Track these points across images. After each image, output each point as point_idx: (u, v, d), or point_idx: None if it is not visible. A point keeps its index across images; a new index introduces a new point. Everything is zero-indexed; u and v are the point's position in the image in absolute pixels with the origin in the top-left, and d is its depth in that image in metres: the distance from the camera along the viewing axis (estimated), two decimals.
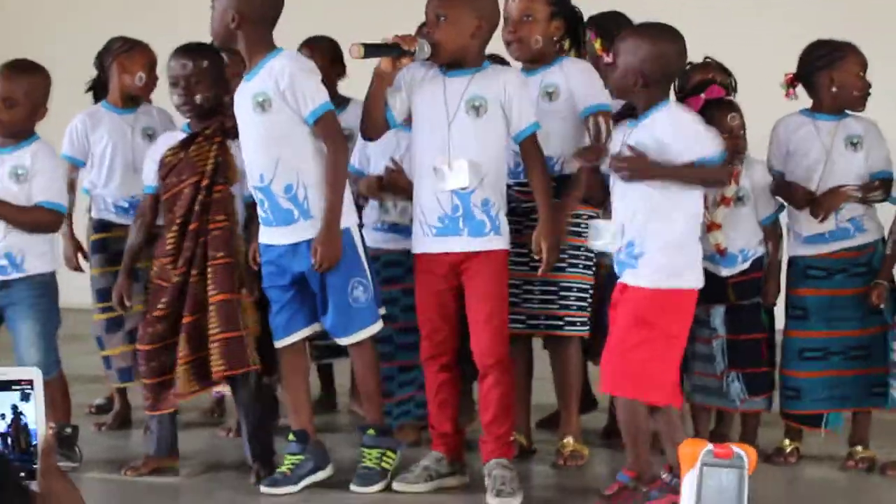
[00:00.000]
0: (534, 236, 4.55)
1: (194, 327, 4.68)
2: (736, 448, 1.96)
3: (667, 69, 4.45)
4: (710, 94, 5.00)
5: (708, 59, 5.40)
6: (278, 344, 4.76)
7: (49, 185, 4.94)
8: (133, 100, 5.64)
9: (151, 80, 5.64)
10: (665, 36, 4.45)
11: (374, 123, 4.65)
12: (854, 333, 5.04)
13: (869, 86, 5.04)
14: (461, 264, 4.56)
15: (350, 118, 5.18)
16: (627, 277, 4.40)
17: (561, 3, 5.03)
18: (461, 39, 4.53)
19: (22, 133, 4.96)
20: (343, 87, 5.75)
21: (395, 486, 4.59)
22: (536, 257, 4.56)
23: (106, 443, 5.44)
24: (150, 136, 5.52)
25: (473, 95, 4.55)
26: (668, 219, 4.39)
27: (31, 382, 2.26)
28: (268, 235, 4.70)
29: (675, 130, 4.38)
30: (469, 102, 4.55)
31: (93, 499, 4.41)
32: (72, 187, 5.41)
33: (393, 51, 4.46)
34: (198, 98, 4.82)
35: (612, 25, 5.22)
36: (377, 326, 4.71)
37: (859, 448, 5.10)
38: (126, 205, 5.48)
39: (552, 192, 4.63)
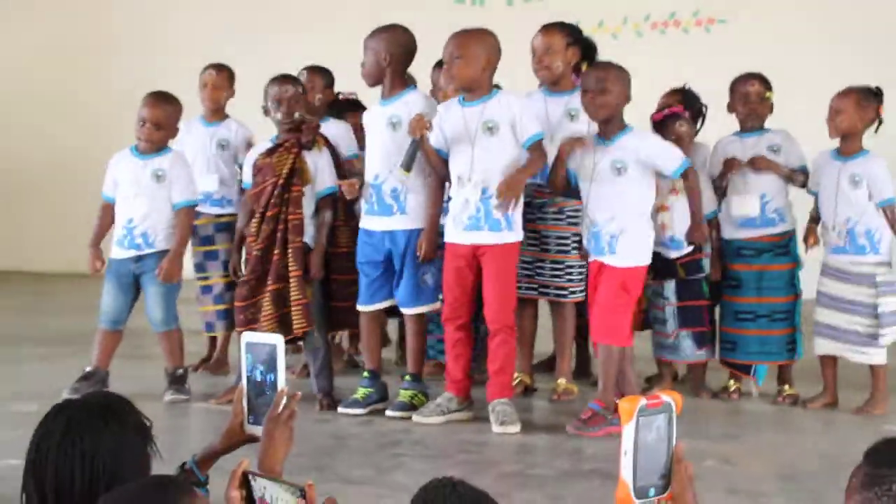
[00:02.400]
0: (499, 183, 4.72)
1: (277, 293, 4.97)
2: (665, 396, 1.94)
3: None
4: (670, 111, 5.35)
5: (685, 86, 5.65)
6: (362, 308, 5.10)
7: (185, 186, 5.30)
8: (219, 114, 5.87)
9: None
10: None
11: (438, 167, 4.88)
12: (778, 300, 5.30)
13: (751, 108, 5.31)
14: (480, 251, 4.81)
15: (331, 129, 5.42)
16: (609, 259, 4.70)
17: (574, 35, 5.24)
18: (474, 73, 4.78)
19: (161, 146, 5.29)
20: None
21: (414, 418, 4.87)
22: (497, 198, 4.71)
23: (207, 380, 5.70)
24: (224, 146, 5.78)
25: (487, 119, 4.79)
26: (641, 215, 4.73)
27: (273, 346, 2.35)
28: (369, 222, 5.03)
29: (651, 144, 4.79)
30: (485, 125, 4.79)
31: (196, 423, 4.70)
32: None
33: (417, 144, 4.75)
34: (297, 115, 5.10)
35: None
36: (434, 306, 5.03)
37: (786, 387, 5.38)
38: (202, 198, 5.67)
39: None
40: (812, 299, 5.24)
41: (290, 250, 4.96)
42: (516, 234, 4.81)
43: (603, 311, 4.68)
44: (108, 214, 5.35)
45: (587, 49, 5.24)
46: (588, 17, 8.86)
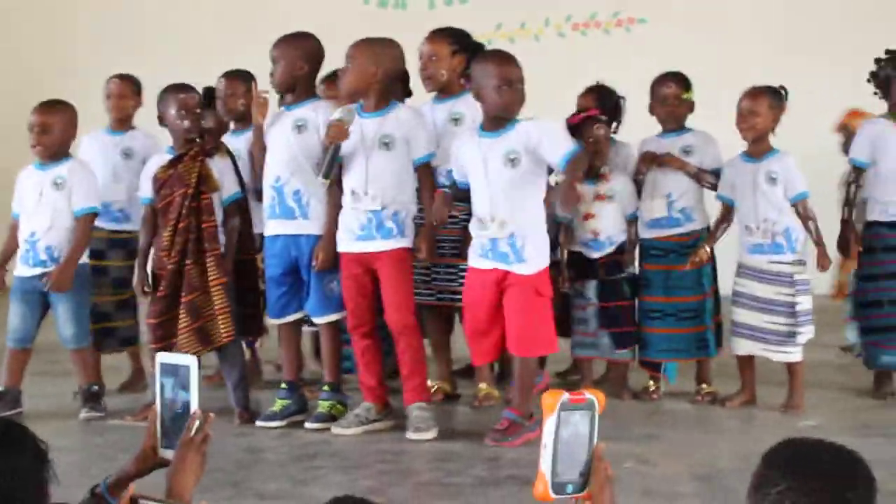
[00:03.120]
0: (416, 240, 4.78)
1: (192, 304, 4.89)
2: (588, 394, 1.92)
3: None
4: (586, 114, 5.37)
5: (599, 83, 5.59)
6: (275, 321, 5.07)
7: (86, 193, 5.18)
8: (123, 123, 5.76)
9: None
10: None
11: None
12: (684, 299, 5.33)
13: (668, 109, 5.33)
14: (375, 258, 4.79)
15: (245, 140, 5.35)
16: (516, 268, 4.57)
17: (462, 43, 5.17)
18: (362, 81, 4.75)
19: (59, 154, 5.19)
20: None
21: (333, 430, 4.82)
22: (418, 255, 4.78)
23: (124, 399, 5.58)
24: (129, 155, 5.67)
25: (384, 134, 4.76)
26: (538, 216, 4.62)
27: (187, 367, 2.28)
28: (272, 227, 4.96)
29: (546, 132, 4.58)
30: (381, 140, 4.76)
31: (112, 441, 4.63)
32: None
33: (336, 149, 4.71)
34: (203, 123, 5.07)
35: None
36: (344, 314, 4.94)
37: (704, 385, 5.42)
38: (101, 209, 5.47)
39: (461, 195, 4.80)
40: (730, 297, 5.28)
41: (209, 258, 4.89)
42: (408, 241, 4.79)
43: (527, 324, 4.53)
44: (16, 233, 5.24)
45: (478, 53, 5.12)
46: (509, 19, 8.97)
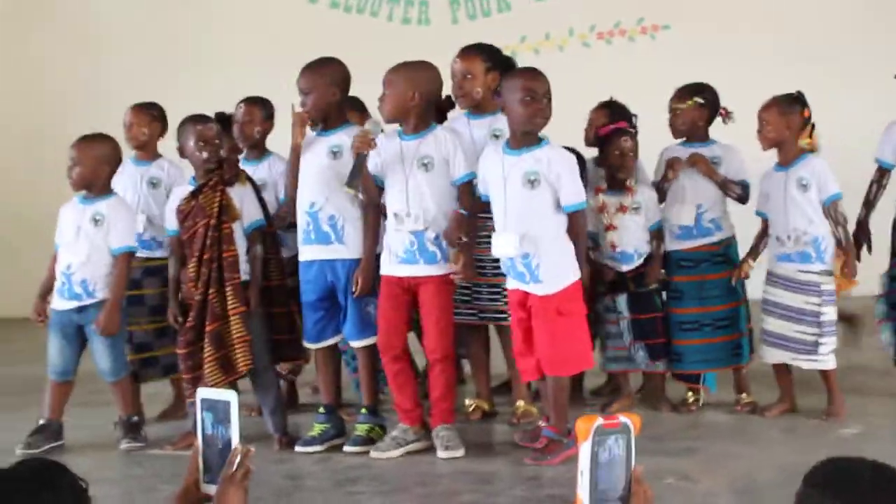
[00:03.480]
0: (452, 255, 4.76)
1: (215, 333, 4.90)
2: (622, 418, 1.92)
3: None
4: (615, 125, 5.34)
5: (612, 100, 5.57)
6: (312, 346, 5.07)
7: (123, 231, 5.19)
8: (147, 151, 5.75)
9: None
10: None
11: (371, 191, 4.84)
12: (719, 308, 5.30)
13: (679, 120, 5.31)
14: (417, 282, 4.79)
15: (263, 170, 5.40)
16: (533, 288, 4.56)
17: (494, 59, 5.16)
18: (401, 107, 4.75)
19: (100, 189, 5.21)
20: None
21: (372, 453, 4.81)
22: (456, 268, 4.74)
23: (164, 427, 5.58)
24: (155, 184, 5.68)
25: (423, 155, 4.76)
26: (557, 234, 4.58)
27: (227, 402, 2.29)
28: (307, 252, 4.95)
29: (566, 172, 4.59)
30: (420, 161, 4.76)
31: (152, 470, 4.66)
32: None
33: (362, 158, 4.70)
34: (223, 152, 5.07)
35: None
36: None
37: (743, 395, 5.38)
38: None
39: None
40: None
41: (228, 288, 4.88)
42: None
43: (553, 345, 4.51)
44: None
45: (509, 69, 5.09)
46: (534, 30, 8.96)
